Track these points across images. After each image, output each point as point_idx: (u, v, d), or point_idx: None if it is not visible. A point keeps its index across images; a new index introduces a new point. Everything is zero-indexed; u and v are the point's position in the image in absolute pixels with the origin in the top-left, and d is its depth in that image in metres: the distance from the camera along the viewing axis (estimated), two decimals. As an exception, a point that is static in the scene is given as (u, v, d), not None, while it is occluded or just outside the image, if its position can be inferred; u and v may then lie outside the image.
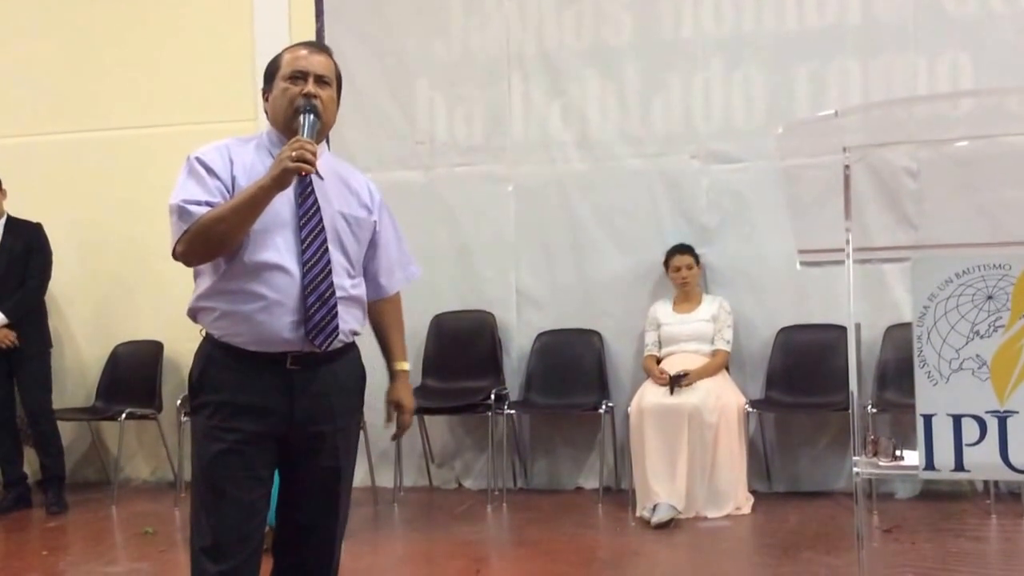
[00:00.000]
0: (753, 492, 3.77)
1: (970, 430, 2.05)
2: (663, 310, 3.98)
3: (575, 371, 4.08)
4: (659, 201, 4.10)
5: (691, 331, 3.88)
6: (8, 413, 4.17)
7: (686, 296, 3.96)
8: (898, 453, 2.25)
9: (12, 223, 4.19)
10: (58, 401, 4.33)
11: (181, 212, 1.67)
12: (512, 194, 4.25)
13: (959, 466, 2.07)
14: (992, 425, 2.05)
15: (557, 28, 4.18)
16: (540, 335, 4.20)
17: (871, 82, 3.86)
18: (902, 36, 3.85)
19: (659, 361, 3.90)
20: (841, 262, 2.27)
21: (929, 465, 2.08)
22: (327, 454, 1.77)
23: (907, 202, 3.04)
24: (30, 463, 4.29)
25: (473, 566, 3.18)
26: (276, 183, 1.64)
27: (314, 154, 1.64)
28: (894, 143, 2.62)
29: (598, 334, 4.14)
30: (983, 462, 2.06)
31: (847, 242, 2.25)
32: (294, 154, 1.62)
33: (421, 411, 4.14)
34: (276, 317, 1.67)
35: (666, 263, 4.00)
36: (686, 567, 3.15)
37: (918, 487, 3.78)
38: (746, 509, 3.66)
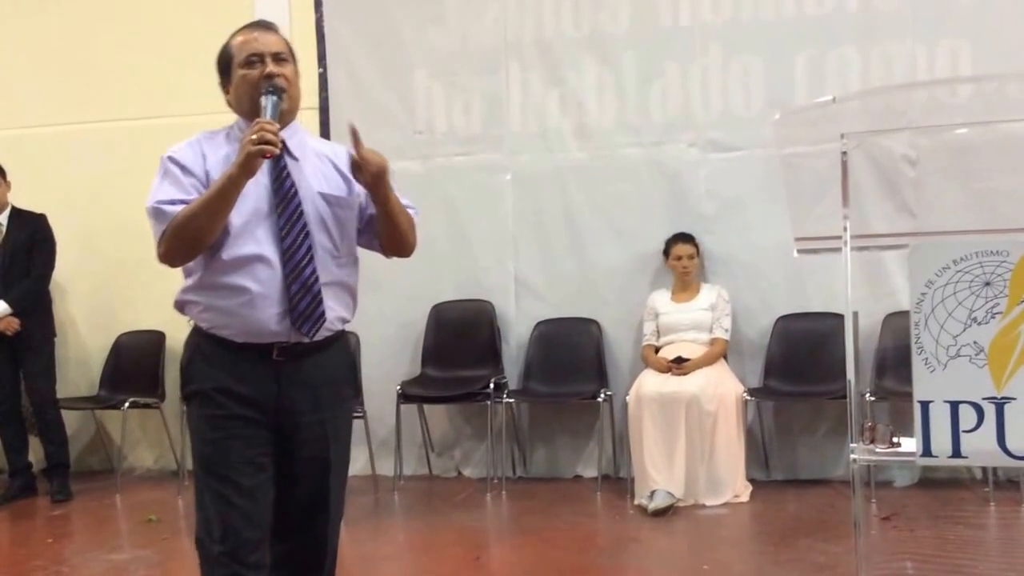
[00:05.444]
0: (751, 480, 3.78)
1: (967, 417, 2.05)
2: (661, 299, 3.98)
3: (574, 360, 4.08)
4: (657, 190, 4.10)
5: (689, 320, 3.88)
6: (13, 402, 4.20)
7: (684, 285, 3.96)
8: (895, 440, 2.25)
9: (16, 214, 4.21)
10: (62, 390, 4.36)
11: (157, 213, 1.65)
12: (510, 183, 4.25)
13: (956, 452, 2.06)
14: (989, 411, 2.04)
15: (555, 17, 4.17)
16: (539, 324, 4.21)
17: (870, 69, 3.85)
18: (901, 23, 3.83)
19: (657, 351, 3.90)
20: (838, 250, 2.27)
21: (926, 452, 2.08)
22: (315, 444, 1.74)
23: (905, 189, 3.03)
24: (35, 452, 4.32)
25: (472, 553, 3.20)
26: (242, 170, 1.60)
27: (275, 134, 1.60)
28: (892, 130, 2.61)
29: (596, 323, 4.15)
30: (980, 448, 2.05)
31: (844, 230, 2.25)
32: (255, 137, 1.58)
33: (421, 400, 4.16)
34: (261, 310, 1.66)
35: (666, 252, 4.00)
36: (684, 555, 3.17)
37: (916, 475, 3.79)
38: (744, 497, 3.67)
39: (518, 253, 4.25)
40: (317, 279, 1.68)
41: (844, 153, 2.25)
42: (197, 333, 1.73)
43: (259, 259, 1.66)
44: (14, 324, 4.08)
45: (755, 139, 3.88)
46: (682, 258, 3.92)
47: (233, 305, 1.66)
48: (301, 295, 1.67)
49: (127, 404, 4.24)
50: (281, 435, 1.72)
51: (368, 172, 1.67)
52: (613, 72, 4.12)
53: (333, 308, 1.72)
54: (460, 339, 4.22)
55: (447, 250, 4.27)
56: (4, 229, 4.19)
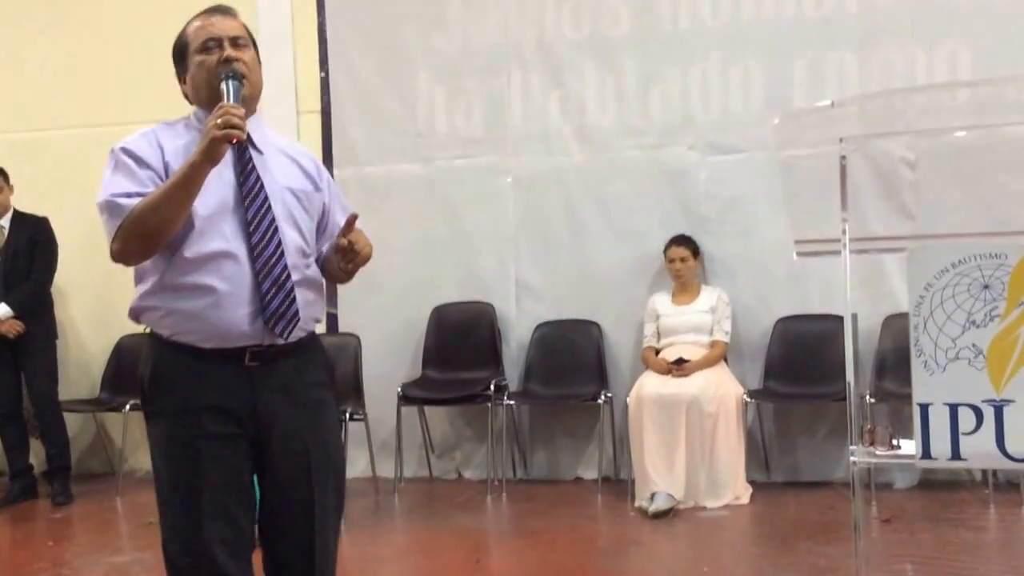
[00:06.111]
0: (752, 482, 3.79)
1: (966, 419, 2.05)
2: (662, 301, 3.99)
3: (574, 361, 4.09)
4: (658, 192, 4.11)
5: (690, 322, 3.89)
6: (15, 404, 4.20)
7: (684, 287, 3.97)
8: (895, 442, 2.25)
9: (19, 217, 4.23)
10: (63, 393, 4.36)
11: (111, 207, 1.53)
12: (511, 185, 4.26)
13: (955, 455, 2.06)
14: (988, 414, 2.04)
15: (556, 20, 4.19)
16: (539, 326, 4.22)
17: (869, 73, 3.86)
18: (900, 26, 3.85)
19: (658, 352, 3.91)
20: (838, 252, 2.27)
21: (926, 454, 2.08)
22: (297, 454, 1.63)
23: (904, 192, 3.04)
24: (36, 454, 4.32)
25: (473, 556, 3.20)
26: (206, 157, 1.48)
27: (242, 118, 1.50)
28: (891, 133, 2.62)
29: (597, 325, 4.16)
30: (979, 451, 2.05)
31: (843, 232, 2.25)
32: (220, 121, 1.48)
33: (421, 402, 4.17)
34: (230, 310, 1.54)
35: (665, 253, 4.01)
36: (685, 557, 3.17)
37: (916, 477, 3.80)
38: (745, 499, 3.68)
39: (519, 255, 4.26)
40: (289, 276, 1.58)
41: (843, 157, 2.26)
42: (157, 342, 1.60)
43: (226, 255, 1.55)
44: (16, 326, 4.10)
45: (755, 141, 3.90)
46: (675, 261, 3.93)
47: (198, 307, 1.54)
48: (273, 293, 1.56)
49: (128, 407, 4.24)
50: (259, 446, 1.61)
51: (354, 261, 1.61)
52: (614, 75, 4.14)
53: (306, 307, 1.62)
54: (461, 341, 4.23)
55: (448, 252, 4.29)
56: (6, 232, 4.21)
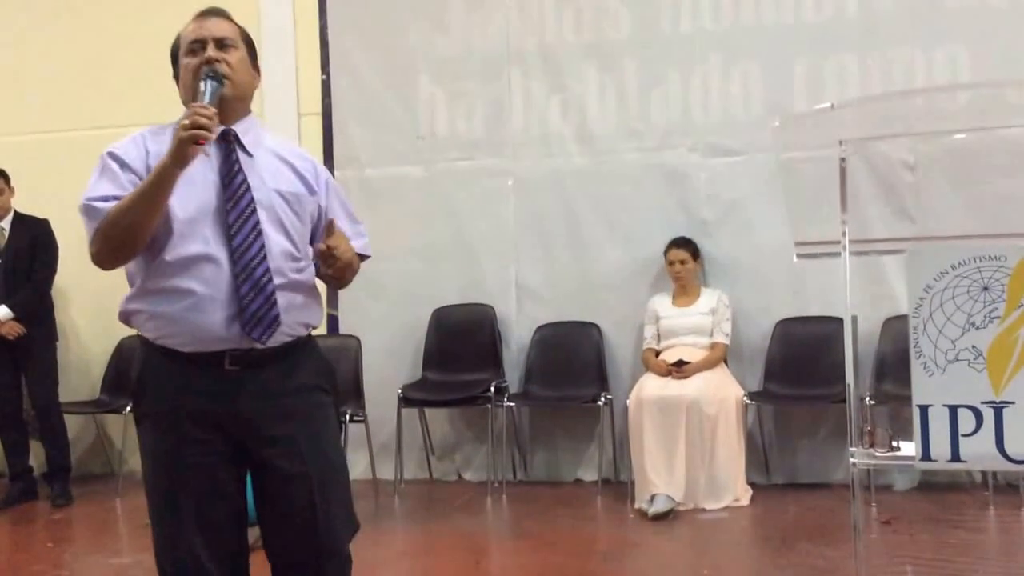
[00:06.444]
0: (751, 484, 3.79)
1: (966, 420, 2.05)
2: (662, 303, 4.00)
3: (574, 364, 4.10)
4: (658, 194, 4.12)
5: (690, 324, 3.90)
6: (15, 406, 4.21)
7: (684, 289, 3.97)
8: (895, 444, 2.25)
9: (19, 219, 4.23)
10: (63, 394, 4.36)
11: (88, 211, 1.56)
12: (512, 188, 4.28)
13: (955, 456, 2.06)
14: (988, 415, 2.05)
15: (557, 24, 4.21)
16: (540, 328, 4.22)
17: (869, 76, 3.88)
18: (899, 30, 3.87)
19: (658, 355, 3.92)
20: (838, 254, 2.28)
21: (925, 456, 2.08)
22: (290, 460, 1.58)
23: (904, 194, 3.05)
24: (36, 456, 4.33)
25: (473, 558, 3.21)
26: (175, 159, 1.48)
27: (211, 118, 1.48)
28: (891, 136, 2.64)
29: (597, 327, 4.16)
30: (979, 452, 2.06)
31: (843, 235, 2.26)
32: (187, 122, 1.47)
33: (422, 404, 4.17)
34: (208, 314, 1.52)
35: (665, 256, 4.02)
36: (684, 559, 3.17)
37: (916, 479, 3.81)
38: (744, 501, 3.68)
39: (519, 257, 4.27)
40: (271, 280, 1.55)
41: (843, 159, 2.26)
42: (144, 345, 1.61)
43: (206, 258, 1.54)
44: (16, 328, 4.10)
45: (755, 144, 3.91)
46: (675, 263, 3.94)
47: (177, 310, 1.53)
48: (252, 297, 1.53)
49: (128, 408, 4.24)
50: (248, 452, 1.59)
51: (335, 266, 1.57)
52: (614, 78, 4.16)
53: (291, 311, 1.58)
54: (461, 343, 4.24)
55: (449, 254, 4.30)
56: (6, 234, 4.21)
